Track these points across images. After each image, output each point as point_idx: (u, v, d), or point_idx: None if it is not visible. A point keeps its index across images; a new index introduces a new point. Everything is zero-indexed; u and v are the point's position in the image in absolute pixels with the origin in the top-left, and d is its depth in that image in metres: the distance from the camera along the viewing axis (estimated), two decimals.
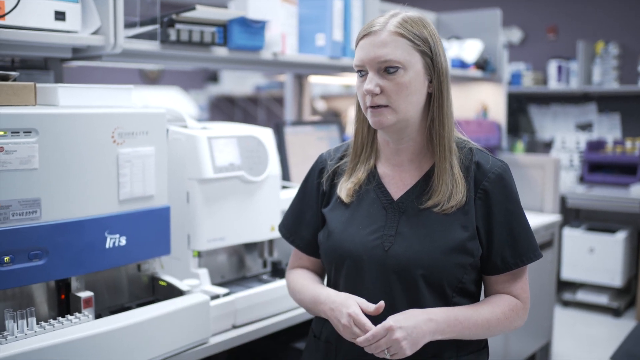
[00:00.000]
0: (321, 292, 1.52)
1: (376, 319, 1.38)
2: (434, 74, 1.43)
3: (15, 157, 1.45)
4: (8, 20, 1.69)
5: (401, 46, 1.39)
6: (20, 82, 1.56)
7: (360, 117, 1.54)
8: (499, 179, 1.46)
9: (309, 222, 1.62)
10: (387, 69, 1.39)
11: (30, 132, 1.47)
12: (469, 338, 1.44)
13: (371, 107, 1.42)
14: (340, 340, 1.49)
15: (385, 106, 1.40)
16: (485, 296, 1.53)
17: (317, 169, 1.63)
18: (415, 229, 1.43)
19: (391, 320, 1.34)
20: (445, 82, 1.45)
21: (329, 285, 1.58)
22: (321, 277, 1.69)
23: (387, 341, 1.32)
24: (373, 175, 1.53)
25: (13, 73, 1.60)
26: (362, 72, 1.44)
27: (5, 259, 1.44)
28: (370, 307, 1.38)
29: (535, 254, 1.48)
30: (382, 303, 1.37)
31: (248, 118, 8.54)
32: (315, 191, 1.62)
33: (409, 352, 1.34)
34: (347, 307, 1.39)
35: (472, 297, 1.49)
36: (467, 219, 1.43)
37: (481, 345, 1.52)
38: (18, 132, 1.45)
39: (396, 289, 1.42)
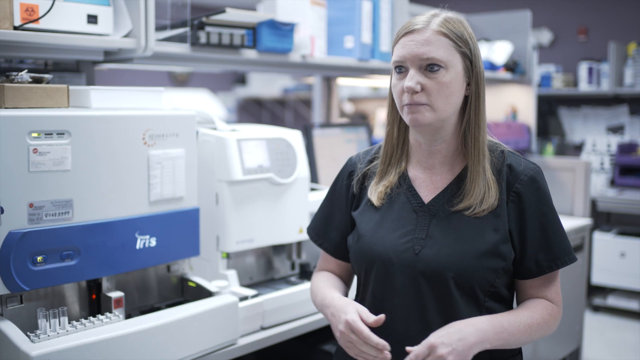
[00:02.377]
0: (328, 295, 1.51)
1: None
2: (472, 77, 1.43)
3: (49, 158, 1.47)
4: (42, 24, 1.72)
5: (444, 46, 1.38)
6: (54, 85, 1.58)
7: (393, 119, 1.53)
8: (532, 181, 1.45)
9: (338, 225, 1.62)
10: (429, 67, 1.38)
11: (63, 133, 1.49)
12: (512, 346, 1.42)
13: (409, 105, 1.40)
14: None
15: (424, 104, 1.39)
16: (518, 301, 1.51)
17: (347, 172, 1.63)
18: (446, 233, 1.42)
19: (432, 337, 1.30)
20: (482, 85, 1.44)
21: (358, 289, 1.57)
22: (346, 281, 1.68)
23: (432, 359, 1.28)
24: (404, 178, 1.52)
25: (47, 76, 1.63)
26: (402, 69, 1.42)
27: (38, 258, 1.46)
28: (370, 317, 1.35)
29: (570, 257, 1.46)
30: (382, 316, 1.34)
31: (275, 120, 8.57)
32: (345, 194, 1.61)
33: None
34: (346, 314, 1.37)
35: (504, 302, 1.47)
36: (499, 222, 1.42)
37: (516, 352, 1.50)
38: (51, 134, 1.47)
39: (427, 293, 1.41)
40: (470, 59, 1.42)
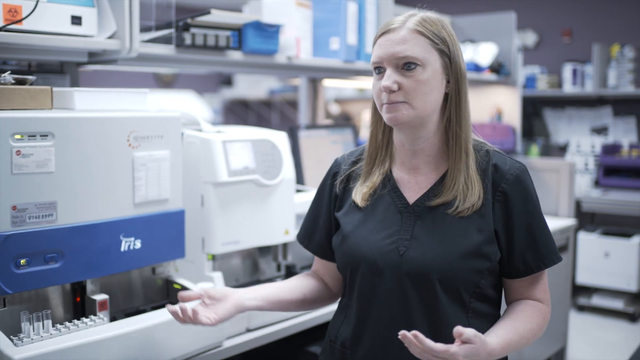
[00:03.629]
0: None
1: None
2: (451, 74, 1.43)
3: (32, 160, 1.46)
4: (25, 25, 1.71)
5: (420, 44, 1.39)
6: (37, 86, 1.57)
7: (376, 120, 1.53)
8: (518, 180, 1.45)
9: (322, 227, 1.62)
10: (406, 66, 1.38)
11: (46, 135, 1.48)
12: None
13: (387, 104, 1.40)
14: (356, 346, 1.48)
15: (402, 102, 1.39)
16: (507, 301, 1.51)
17: (332, 173, 1.63)
18: (431, 234, 1.42)
19: (460, 350, 1.22)
20: (462, 82, 1.44)
21: (344, 290, 1.57)
22: (329, 283, 1.67)
23: None
24: (388, 179, 1.52)
25: (30, 77, 1.61)
26: (380, 70, 1.43)
27: (21, 261, 1.45)
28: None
29: (556, 257, 1.46)
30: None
31: (262, 122, 8.56)
32: (329, 195, 1.61)
33: None
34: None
35: (491, 302, 1.47)
36: (484, 222, 1.41)
37: None
38: (35, 136, 1.46)
39: (412, 295, 1.40)
40: (448, 56, 1.42)
